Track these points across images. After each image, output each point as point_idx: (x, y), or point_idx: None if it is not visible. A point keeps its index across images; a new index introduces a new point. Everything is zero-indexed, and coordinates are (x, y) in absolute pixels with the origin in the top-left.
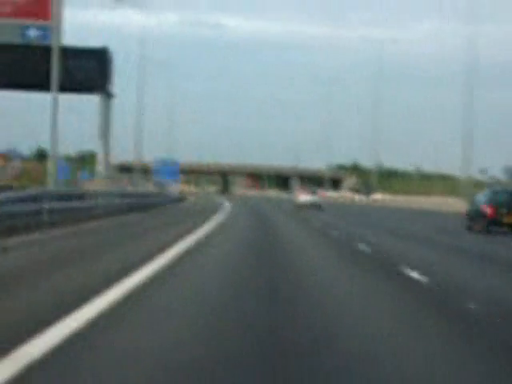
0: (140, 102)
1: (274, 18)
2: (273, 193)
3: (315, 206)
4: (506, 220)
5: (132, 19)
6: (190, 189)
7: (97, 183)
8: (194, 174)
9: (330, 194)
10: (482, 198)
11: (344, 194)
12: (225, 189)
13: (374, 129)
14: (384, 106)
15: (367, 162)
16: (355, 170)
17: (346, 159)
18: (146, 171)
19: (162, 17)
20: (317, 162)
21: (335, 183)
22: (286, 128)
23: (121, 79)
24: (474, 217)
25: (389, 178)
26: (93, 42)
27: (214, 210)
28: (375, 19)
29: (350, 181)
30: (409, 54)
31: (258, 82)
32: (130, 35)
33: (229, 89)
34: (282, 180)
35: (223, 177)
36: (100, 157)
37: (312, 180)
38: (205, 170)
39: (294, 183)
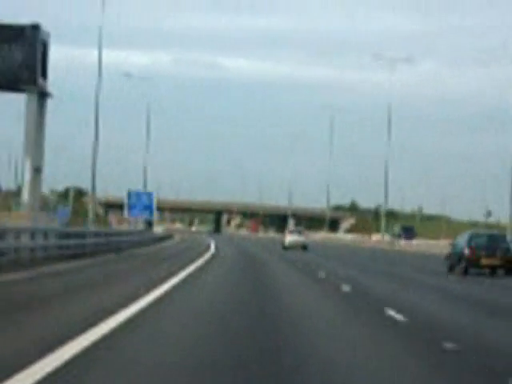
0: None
1: (271, 58)
2: (269, 234)
3: (301, 247)
4: (484, 262)
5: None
6: (178, 227)
7: (18, 216)
8: (187, 212)
9: (326, 234)
10: (461, 240)
11: (343, 236)
12: (217, 228)
13: (382, 171)
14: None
15: (366, 202)
16: (353, 209)
17: (343, 200)
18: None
19: (155, 55)
20: (317, 202)
21: (333, 224)
22: (283, 168)
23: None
24: (454, 259)
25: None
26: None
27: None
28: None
29: (348, 221)
30: (416, 96)
31: (254, 122)
32: (119, 73)
33: (226, 128)
34: (279, 220)
35: (216, 215)
36: (26, 179)
37: (312, 220)
38: (198, 208)
39: (291, 223)
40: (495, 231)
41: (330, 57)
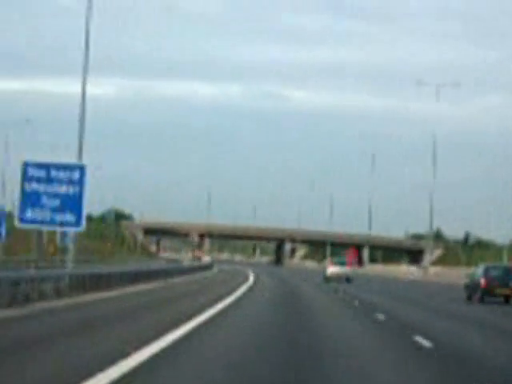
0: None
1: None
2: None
3: (345, 279)
4: (498, 291)
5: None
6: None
7: None
8: (243, 239)
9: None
10: (478, 272)
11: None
12: (277, 259)
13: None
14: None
15: (448, 231)
16: (438, 239)
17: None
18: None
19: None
20: (392, 230)
21: (414, 255)
22: (353, 195)
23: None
24: (472, 288)
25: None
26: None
27: None
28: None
29: (434, 252)
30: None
31: (319, 153)
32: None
33: (292, 159)
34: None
35: (278, 244)
36: None
37: (388, 250)
38: (254, 235)
39: (365, 253)
40: (510, 264)
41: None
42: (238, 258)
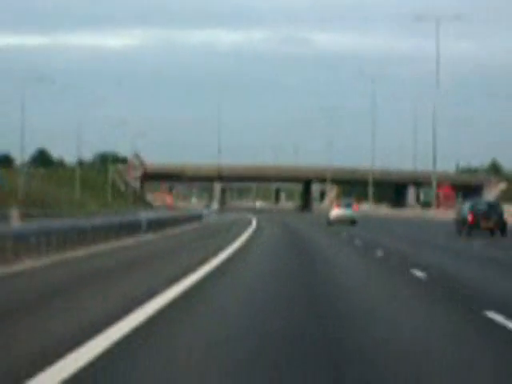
0: None
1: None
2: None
3: (350, 222)
4: (483, 225)
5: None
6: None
7: None
8: (262, 181)
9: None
10: (466, 208)
11: None
12: (305, 204)
13: None
14: None
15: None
16: (495, 172)
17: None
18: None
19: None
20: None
21: (470, 191)
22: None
23: None
24: (461, 223)
25: None
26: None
27: None
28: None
29: (496, 187)
30: None
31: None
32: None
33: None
34: (393, 191)
35: (305, 186)
36: None
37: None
38: (274, 175)
39: (410, 193)
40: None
41: None
42: (259, 204)
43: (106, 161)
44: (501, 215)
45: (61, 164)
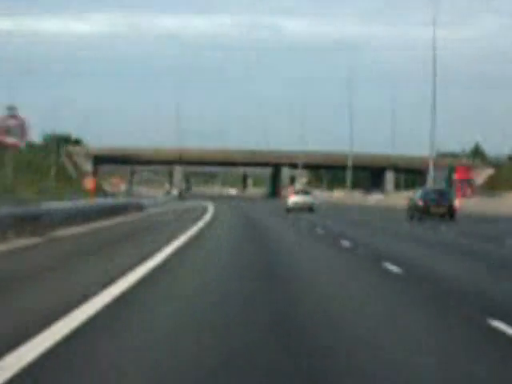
0: None
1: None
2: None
3: (308, 208)
4: (433, 210)
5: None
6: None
7: None
8: (226, 165)
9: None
10: (417, 194)
11: None
12: (273, 191)
13: None
14: None
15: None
16: (477, 157)
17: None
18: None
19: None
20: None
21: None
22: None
23: None
24: (413, 209)
25: None
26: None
27: None
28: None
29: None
30: None
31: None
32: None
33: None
34: (373, 174)
35: (273, 171)
36: None
37: (415, 173)
38: (241, 159)
39: (388, 179)
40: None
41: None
42: (217, 190)
43: (58, 142)
44: (449, 201)
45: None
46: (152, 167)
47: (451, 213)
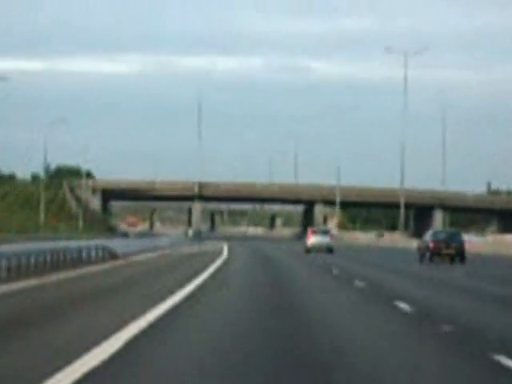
0: None
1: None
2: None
3: (326, 250)
4: (443, 252)
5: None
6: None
7: None
8: (252, 201)
9: None
10: (427, 236)
11: None
12: (305, 230)
13: None
14: None
15: None
16: None
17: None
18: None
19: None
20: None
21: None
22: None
23: None
24: (423, 250)
25: None
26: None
27: None
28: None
29: None
30: None
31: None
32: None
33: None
34: (418, 213)
35: (305, 208)
36: None
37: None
38: (270, 196)
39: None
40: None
41: None
42: (243, 230)
43: (62, 176)
44: (460, 243)
45: (10, 178)
46: (175, 204)
47: (461, 254)
